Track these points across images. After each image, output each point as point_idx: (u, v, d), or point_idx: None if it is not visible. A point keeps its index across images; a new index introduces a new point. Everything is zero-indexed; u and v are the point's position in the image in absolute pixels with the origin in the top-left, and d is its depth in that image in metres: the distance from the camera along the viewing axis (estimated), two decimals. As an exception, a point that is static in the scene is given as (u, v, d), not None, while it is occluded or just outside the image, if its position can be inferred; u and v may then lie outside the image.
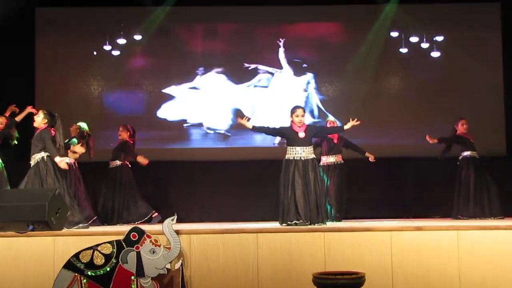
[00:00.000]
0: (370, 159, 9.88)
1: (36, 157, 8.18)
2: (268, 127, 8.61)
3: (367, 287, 5.86)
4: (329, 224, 8.39)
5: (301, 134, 8.23)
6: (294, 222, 8.00)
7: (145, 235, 6.48)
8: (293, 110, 8.43)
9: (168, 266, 6.45)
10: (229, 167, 11.13)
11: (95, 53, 11.91)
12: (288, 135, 8.34)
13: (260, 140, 11.18)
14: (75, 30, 11.88)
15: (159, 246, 6.47)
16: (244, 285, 6.78)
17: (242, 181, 11.02)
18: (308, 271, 6.09)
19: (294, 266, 6.73)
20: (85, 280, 6.22)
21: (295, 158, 8.20)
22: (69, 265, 6.26)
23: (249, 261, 6.81)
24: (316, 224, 7.98)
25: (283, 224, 8.11)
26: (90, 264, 6.27)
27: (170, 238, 6.52)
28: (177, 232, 6.62)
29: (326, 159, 9.93)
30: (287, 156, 8.29)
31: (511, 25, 11.61)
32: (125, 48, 12.03)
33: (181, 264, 6.57)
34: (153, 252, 6.41)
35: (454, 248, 6.84)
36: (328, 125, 10.09)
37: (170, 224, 6.62)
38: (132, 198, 10.17)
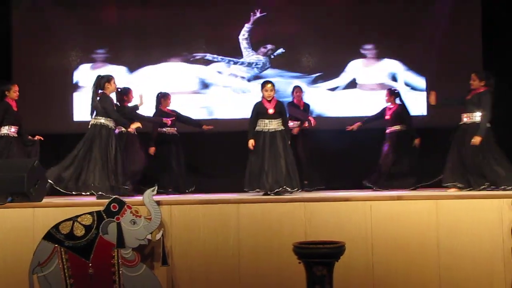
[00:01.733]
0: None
1: None
2: (251, 122, 8.66)
3: (347, 256, 5.85)
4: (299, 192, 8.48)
5: (271, 110, 8.47)
6: (258, 189, 8.28)
7: (125, 206, 6.42)
8: (262, 85, 8.67)
9: (149, 237, 6.41)
10: (212, 138, 11.05)
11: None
12: (259, 109, 8.53)
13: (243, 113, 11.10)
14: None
15: (140, 217, 6.42)
16: (225, 255, 6.76)
17: (225, 152, 10.92)
18: (289, 241, 6.02)
19: (275, 236, 6.73)
20: (65, 251, 6.18)
21: (264, 130, 8.44)
22: (49, 236, 6.21)
23: (230, 232, 6.80)
24: (289, 188, 8.18)
25: (248, 189, 8.41)
26: (70, 235, 6.21)
27: (151, 208, 6.47)
28: (158, 203, 6.58)
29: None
30: (257, 128, 8.51)
31: (491, 25, 11.63)
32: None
33: (162, 235, 6.50)
34: (134, 223, 6.36)
35: (433, 217, 6.87)
36: (294, 93, 10.33)
37: (151, 195, 6.57)
38: None
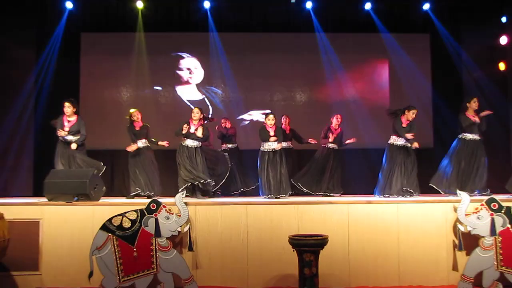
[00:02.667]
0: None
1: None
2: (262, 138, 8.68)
3: (329, 246, 6.02)
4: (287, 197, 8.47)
5: (271, 133, 8.51)
6: (269, 196, 8.30)
7: (161, 205, 6.59)
8: (266, 115, 8.76)
9: (179, 229, 6.57)
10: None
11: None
12: (263, 133, 8.58)
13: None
14: (108, 49, 11.81)
15: (172, 214, 6.58)
16: (236, 244, 6.86)
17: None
18: (285, 234, 6.14)
19: (274, 230, 6.82)
20: (116, 239, 6.34)
21: (268, 150, 8.52)
22: (104, 227, 6.37)
23: (240, 227, 6.90)
24: (280, 195, 8.31)
25: (265, 197, 8.38)
26: (120, 227, 6.37)
27: (181, 208, 6.64)
28: (186, 204, 6.74)
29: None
30: (262, 149, 8.58)
31: (439, 53, 11.66)
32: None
33: (189, 228, 6.68)
34: (168, 218, 6.53)
35: (395, 217, 7.00)
36: (283, 120, 10.07)
37: (181, 197, 6.77)
38: None
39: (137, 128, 8.87)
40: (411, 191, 8.26)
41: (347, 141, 9.54)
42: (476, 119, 8.30)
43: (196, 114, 8.59)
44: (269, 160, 8.49)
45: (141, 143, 8.81)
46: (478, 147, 8.44)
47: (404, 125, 8.45)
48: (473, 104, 8.40)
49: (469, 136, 8.42)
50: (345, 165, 10.22)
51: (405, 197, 8.10)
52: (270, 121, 8.59)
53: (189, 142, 8.53)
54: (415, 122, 8.54)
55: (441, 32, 11.26)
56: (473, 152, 8.41)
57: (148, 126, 9.01)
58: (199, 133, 8.49)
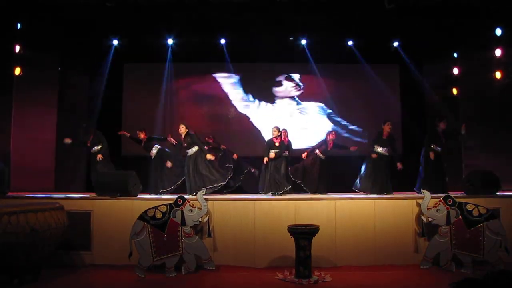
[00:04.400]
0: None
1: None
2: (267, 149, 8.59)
3: (320, 233, 6.00)
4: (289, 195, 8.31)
5: (276, 144, 8.49)
6: (270, 192, 8.20)
7: (186, 200, 6.56)
8: (272, 129, 8.67)
9: (200, 219, 6.54)
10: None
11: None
12: (269, 143, 8.56)
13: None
14: (147, 77, 11.81)
15: (195, 207, 6.56)
16: (246, 233, 6.83)
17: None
18: (285, 224, 6.13)
19: (276, 221, 6.75)
20: (150, 227, 6.30)
21: (270, 157, 8.43)
22: (141, 217, 6.34)
23: (249, 218, 6.87)
24: (280, 192, 8.16)
25: (261, 192, 8.41)
26: (153, 217, 6.34)
27: (201, 202, 6.62)
28: (206, 199, 6.72)
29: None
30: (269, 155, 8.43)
31: (406, 80, 11.64)
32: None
33: (208, 219, 6.67)
34: (191, 211, 6.51)
35: (372, 210, 6.97)
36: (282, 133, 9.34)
37: (202, 194, 6.78)
38: None
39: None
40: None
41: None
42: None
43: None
44: (273, 164, 8.48)
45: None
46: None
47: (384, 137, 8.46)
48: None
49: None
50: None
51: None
52: (275, 133, 8.59)
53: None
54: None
55: (407, 64, 11.25)
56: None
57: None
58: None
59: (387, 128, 8.44)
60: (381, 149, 8.41)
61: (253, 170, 9.39)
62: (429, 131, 8.59)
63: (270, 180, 8.37)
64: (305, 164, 8.96)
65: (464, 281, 1.80)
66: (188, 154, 8.32)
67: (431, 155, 8.32)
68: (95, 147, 8.66)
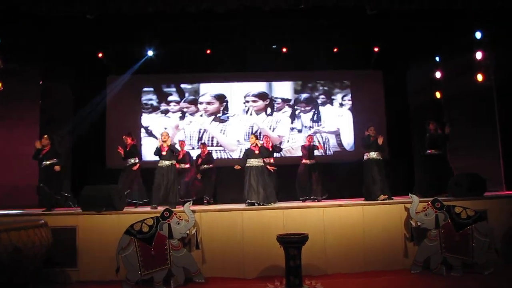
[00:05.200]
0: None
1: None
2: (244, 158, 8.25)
3: (310, 242, 5.90)
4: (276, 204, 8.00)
5: (256, 152, 8.07)
6: (252, 202, 7.65)
7: (173, 213, 6.45)
8: (250, 138, 8.42)
9: (188, 232, 6.44)
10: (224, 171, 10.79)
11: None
12: (248, 152, 8.18)
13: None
14: (130, 88, 11.76)
15: (182, 219, 6.45)
16: (234, 243, 6.73)
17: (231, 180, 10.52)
18: (274, 233, 6.02)
19: (265, 231, 6.66)
20: (137, 241, 6.19)
21: (251, 166, 7.97)
22: (127, 232, 6.23)
23: (237, 228, 6.77)
24: (265, 203, 7.63)
25: (247, 201, 7.74)
26: (140, 231, 6.24)
27: (189, 214, 6.51)
28: (193, 211, 6.61)
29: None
30: (247, 165, 8.01)
31: (390, 85, 11.74)
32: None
33: (196, 231, 6.57)
34: (178, 224, 6.40)
35: (361, 216, 6.92)
36: (264, 140, 9.31)
37: (188, 206, 6.67)
38: None
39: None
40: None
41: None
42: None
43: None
44: (253, 173, 7.99)
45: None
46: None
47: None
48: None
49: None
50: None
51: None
52: (252, 141, 8.20)
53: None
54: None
55: (391, 68, 11.32)
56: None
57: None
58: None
59: (371, 132, 8.29)
60: (373, 153, 8.19)
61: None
62: (419, 136, 8.54)
63: (255, 190, 7.84)
64: (299, 177, 9.00)
65: None
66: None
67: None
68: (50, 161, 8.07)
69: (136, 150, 9.00)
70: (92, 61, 10.90)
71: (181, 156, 9.25)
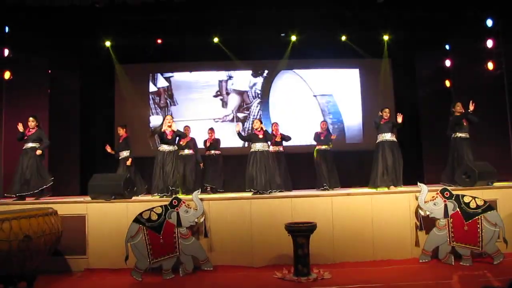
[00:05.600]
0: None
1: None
2: (245, 137, 8.43)
3: (318, 230, 5.91)
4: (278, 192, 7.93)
5: (260, 136, 7.96)
6: (249, 190, 7.70)
7: (181, 201, 6.47)
8: (253, 121, 8.40)
9: (196, 220, 6.46)
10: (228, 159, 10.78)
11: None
12: (251, 136, 8.12)
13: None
14: (138, 78, 11.82)
15: (190, 208, 6.47)
16: (242, 231, 6.73)
17: (236, 166, 10.45)
18: (282, 222, 6.04)
19: (273, 219, 6.66)
20: (146, 229, 6.22)
21: (255, 150, 7.90)
22: (136, 220, 6.26)
23: (245, 217, 6.77)
24: (267, 191, 7.61)
25: (248, 190, 7.76)
26: (149, 219, 6.26)
27: (197, 203, 6.53)
28: (201, 200, 6.62)
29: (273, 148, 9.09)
30: (251, 149, 7.98)
31: (399, 73, 11.71)
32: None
33: (204, 219, 6.58)
34: (187, 212, 6.41)
35: (369, 206, 6.88)
36: (272, 128, 9.41)
37: (197, 194, 6.66)
38: None
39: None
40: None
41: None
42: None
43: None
44: (257, 159, 7.89)
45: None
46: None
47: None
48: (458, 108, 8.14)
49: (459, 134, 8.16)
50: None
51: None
52: (256, 125, 8.07)
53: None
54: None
55: (400, 57, 11.22)
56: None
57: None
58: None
59: (385, 114, 8.12)
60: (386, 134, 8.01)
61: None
62: (449, 119, 8.24)
63: (257, 177, 7.76)
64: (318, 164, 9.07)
65: None
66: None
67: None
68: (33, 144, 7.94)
69: (127, 143, 8.89)
70: (100, 50, 10.89)
71: (185, 142, 9.23)
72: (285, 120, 11.14)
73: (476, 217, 6.45)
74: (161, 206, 6.38)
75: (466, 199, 6.55)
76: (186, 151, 9.26)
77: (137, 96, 11.70)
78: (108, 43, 10.73)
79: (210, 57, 11.38)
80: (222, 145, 10.03)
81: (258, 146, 7.94)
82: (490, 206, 6.51)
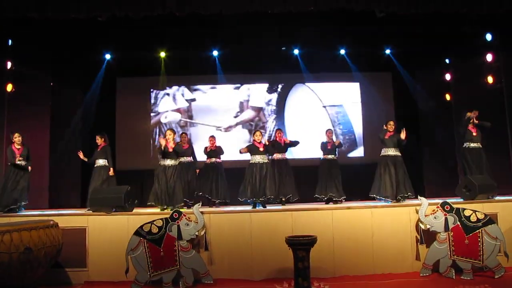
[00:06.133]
0: None
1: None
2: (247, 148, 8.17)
3: (318, 244, 5.83)
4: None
5: (261, 149, 7.94)
6: (250, 199, 7.77)
7: (182, 214, 6.50)
8: (254, 133, 8.31)
9: (197, 233, 6.47)
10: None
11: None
12: (251, 148, 8.03)
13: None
14: (140, 91, 11.87)
15: (191, 221, 6.49)
16: (242, 245, 6.73)
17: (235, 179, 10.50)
18: (282, 235, 5.98)
19: (273, 233, 6.65)
20: (146, 242, 6.23)
21: (255, 162, 7.88)
22: (137, 233, 6.28)
23: (245, 230, 6.77)
24: (256, 197, 7.66)
25: (240, 198, 7.91)
26: (149, 232, 6.28)
27: (198, 216, 6.54)
28: (202, 213, 6.64)
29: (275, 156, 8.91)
30: (250, 161, 7.95)
31: (399, 87, 11.71)
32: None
33: (205, 232, 6.58)
34: (187, 225, 6.44)
35: (369, 219, 6.89)
36: (276, 134, 9.24)
37: (198, 207, 6.68)
38: None
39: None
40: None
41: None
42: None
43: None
44: (256, 170, 7.90)
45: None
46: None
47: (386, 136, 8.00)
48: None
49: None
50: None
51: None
52: (258, 137, 8.03)
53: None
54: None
55: (400, 71, 11.30)
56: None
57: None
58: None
59: (390, 127, 8.01)
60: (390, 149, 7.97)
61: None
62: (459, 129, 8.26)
63: (255, 186, 7.79)
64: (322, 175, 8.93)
65: None
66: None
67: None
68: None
69: (105, 153, 8.72)
70: (101, 63, 10.98)
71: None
72: (300, 132, 11.24)
73: (477, 231, 6.45)
74: (161, 219, 6.39)
75: (467, 213, 6.56)
76: (184, 158, 8.94)
77: (138, 109, 11.75)
78: (108, 56, 10.81)
79: (211, 71, 11.42)
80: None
81: (257, 159, 7.93)
82: (490, 219, 6.52)
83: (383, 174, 7.79)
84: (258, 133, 8.14)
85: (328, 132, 9.25)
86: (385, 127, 8.05)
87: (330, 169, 8.84)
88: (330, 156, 8.96)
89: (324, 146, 9.05)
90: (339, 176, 8.84)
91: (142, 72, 11.51)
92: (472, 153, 8.19)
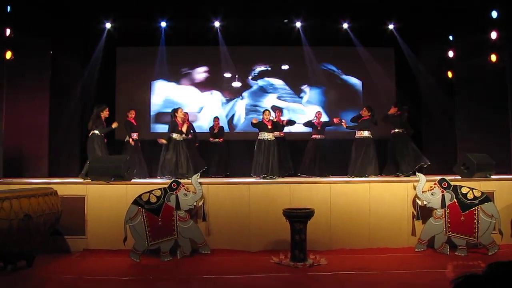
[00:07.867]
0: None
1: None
2: (256, 124, 8.60)
3: (315, 217, 5.96)
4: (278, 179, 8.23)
5: (269, 126, 8.50)
6: (262, 175, 8.14)
7: (181, 185, 6.51)
8: (263, 111, 8.72)
9: (195, 203, 6.50)
10: (234, 145, 10.93)
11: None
12: (261, 125, 8.54)
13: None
14: (140, 61, 11.73)
15: (189, 191, 6.50)
16: (240, 216, 6.77)
17: (241, 153, 10.59)
18: (280, 207, 6.07)
19: (271, 205, 6.69)
20: (144, 211, 6.24)
21: (263, 139, 8.42)
22: (135, 202, 6.28)
23: (243, 202, 6.80)
24: (268, 177, 8.05)
25: (254, 175, 8.32)
26: (148, 202, 6.29)
27: (196, 186, 6.55)
28: (200, 183, 6.64)
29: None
30: (259, 137, 8.50)
31: (400, 62, 11.59)
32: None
33: (203, 203, 6.62)
34: (186, 195, 6.45)
35: (367, 193, 6.93)
36: (276, 113, 9.83)
37: (196, 178, 6.70)
38: None
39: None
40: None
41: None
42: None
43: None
44: (264, 147, 8.41)
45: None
46: None
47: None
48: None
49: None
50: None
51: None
52: (267, 116, 8.58)
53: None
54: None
55: (402, 47, 11.18)
56: None
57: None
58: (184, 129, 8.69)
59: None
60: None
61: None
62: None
63: (263, 163, 8.24)
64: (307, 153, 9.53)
65: (467, 278, 1.69)
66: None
67: None
68: None
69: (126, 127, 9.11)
70: (101, 32, 10.84)
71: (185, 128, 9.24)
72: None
73: (473, 208, 6.49)
74: (160, 189, 6.41)
75: (464, 190, 6.58)
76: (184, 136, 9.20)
77: (139, 79, 11.64)
78: (108, 25, 10.67)
79: (212, 42, 11.29)
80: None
81: (265, 136, 8.42)
82: (487, 197, 6.55)
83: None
84: (267, 112, 8.63)
85: (318, 113, 9.88)
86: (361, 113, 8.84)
87: (317, 149, 9.50)
88: (318, 137, 9.62)
89: (312, 125, 9.71)
90: (325, 155, 9.50)
91: (142, 42, 11.35)
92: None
